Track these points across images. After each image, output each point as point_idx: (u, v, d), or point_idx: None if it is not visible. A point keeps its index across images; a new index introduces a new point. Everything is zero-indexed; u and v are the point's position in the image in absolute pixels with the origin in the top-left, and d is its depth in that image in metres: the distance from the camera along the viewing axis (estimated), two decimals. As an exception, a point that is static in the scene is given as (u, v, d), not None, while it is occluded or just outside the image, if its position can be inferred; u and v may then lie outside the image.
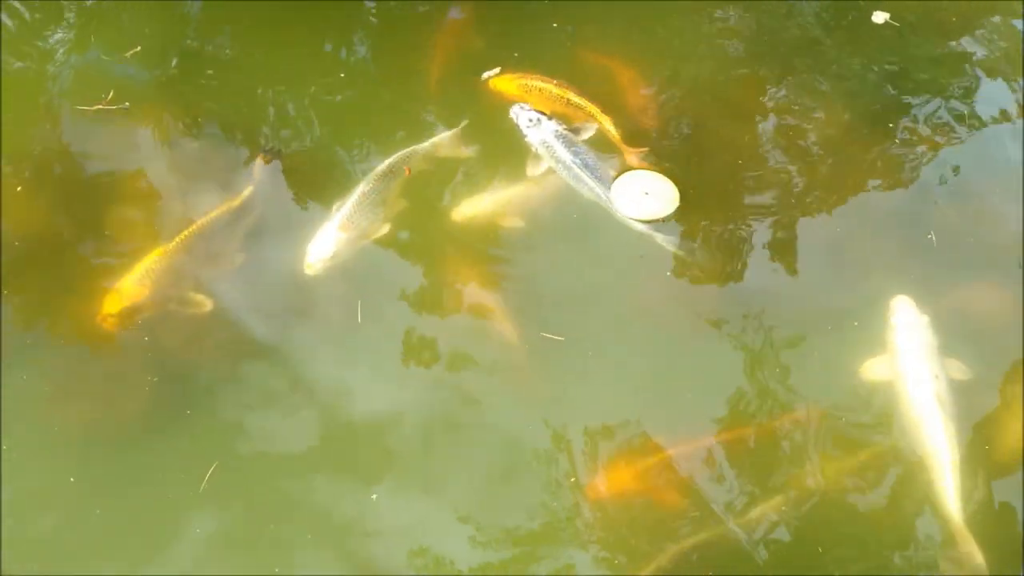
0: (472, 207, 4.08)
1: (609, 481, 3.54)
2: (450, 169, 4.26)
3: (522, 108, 4.28)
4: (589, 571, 3.36)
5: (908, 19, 4.71)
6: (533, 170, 4.18)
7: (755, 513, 3.42)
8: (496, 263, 4.05)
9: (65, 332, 3.79)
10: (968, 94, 4.53)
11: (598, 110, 4.28)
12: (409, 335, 3.83)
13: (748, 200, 4.18)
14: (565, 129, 4.20)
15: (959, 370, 3.65)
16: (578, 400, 3.66)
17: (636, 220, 4.03)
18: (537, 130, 4.20)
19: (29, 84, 4.46)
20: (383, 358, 3.77)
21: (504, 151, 4.29)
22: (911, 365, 3.65)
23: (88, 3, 4.75)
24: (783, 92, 4.50)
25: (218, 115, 4.40)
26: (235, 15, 4.77)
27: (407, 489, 3.51)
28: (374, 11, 4.88)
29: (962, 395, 3.57)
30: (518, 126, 4.25)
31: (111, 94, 4.32)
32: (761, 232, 4.08)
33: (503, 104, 4.36)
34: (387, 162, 4.10)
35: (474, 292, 3.96)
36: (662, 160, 4.19)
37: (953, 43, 4.69)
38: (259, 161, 4.16)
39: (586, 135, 4.24)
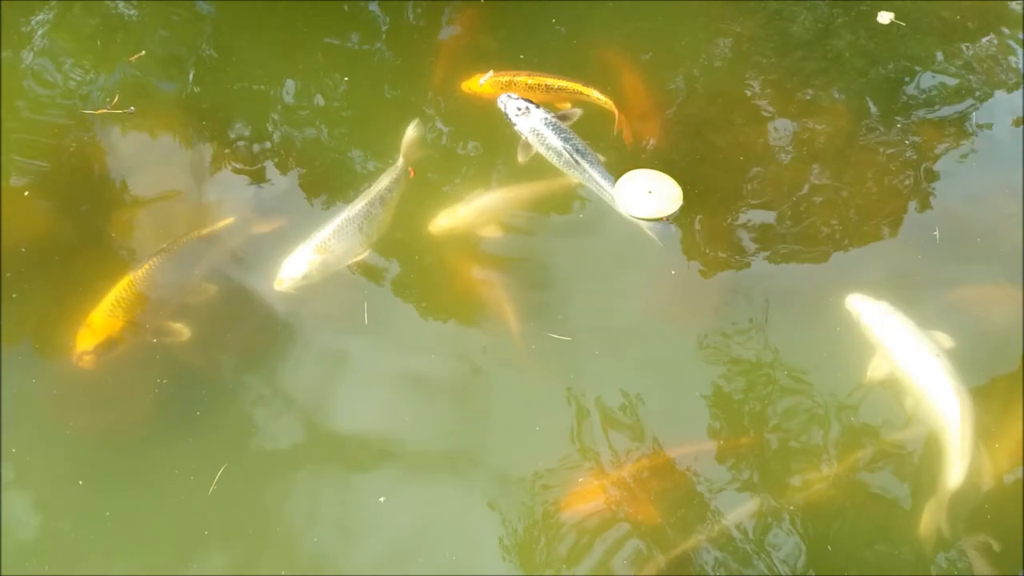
0: (449, 218, 4.05)
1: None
2: (454, 169, 4.28)
3: (510, 97, 4.27)
4: (593, 572, 3.37)
5: (912, 17, 4.71)
6: (523, 157, 4.19)
7: (768, 512, 3.44)
8: (501, 263, 4.07)
9: (73, 336, 3.74)
10: (973, 93, 4.52)
11: (580, 85, 4.31)
12: (415, 335, 3.84)
13: (752, 199, 4.18)
14: (554, 116, 4.20)
15: (945, 340, 3.68)
16: (584, 400, 3.66)
17: (618, 203, 4.04)
18: (526, 118, 4.20)
19: (33, 87, 4.46)
20: (389, 360, 3.78)
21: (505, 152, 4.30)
22: (906, 351, 3.66)
23: (92, 5, 4.76)
24: (787, 91, 4.50)
25: (222, 118, 4.40)
26: (239, 19, 4.78)
27: (415, 493, 3.51)
28: (377, 13, 4.88)
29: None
30: (506, 115, 4.25)
31: (116, 98, 4.34)
32: (765, 231, 4.08)
33: (485, 104, 4.37)
34: (373, 191, 4.05)
35: (481, 292, 3.98)
36: (665, 158, 4.19)
37: (957, 42, 4.69)
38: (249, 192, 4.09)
39: (573, 120, 4.25)
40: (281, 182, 4.25)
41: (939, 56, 4.64)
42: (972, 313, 3.83)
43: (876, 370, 3.69)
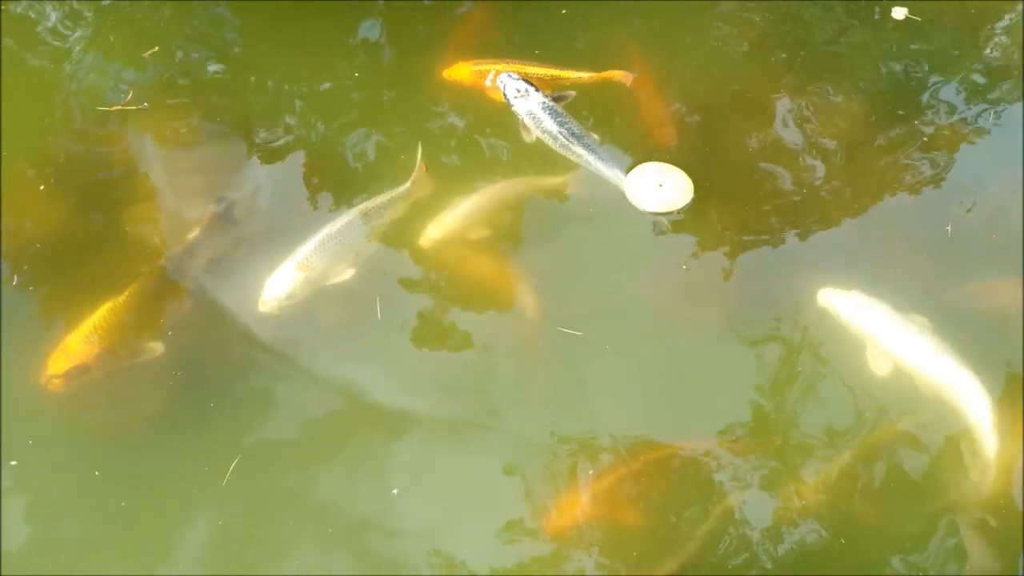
0: (438, 229, 4.00)
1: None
2: (472, 160, 4.30)
3: (509, 77, 4.26)
4: (602, 571, 3.38)
5: (927, 12, 4.66)
6: (527, 137, 4.20)
7: (788, 505, 3.46)
8: (511, 258, 4.07)
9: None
10: (986, 89, 4.50)
11: (558, 69, 4.32)
12: (427, 331, 3.85)
13: (763, 193, 4.18)
14: (551, 100, 4.21)
15: (923, 323, 3.71)
16: (595, 397, 3.68)
17: (620, 181, 4.06)
18: (524, 101, 4.20)
19: (48, 84, 4.48)
20: (402, 354, 3.79)
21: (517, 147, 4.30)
22: (898, 338, 3.68)
23: (105, 3, 4.77)
24: (799, 86, 4.48)
25: (234, 114, 4.41)
26: (254, 15, 4.79)
27: (427, 485, 3.53)
28: (385, 9, 4.88)
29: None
30: (505, 96, 4.24)
31: (131, 94, 4.35)
32: (775, 225, 4.08)
33: (465, 93, 4.36)
34: (358, 208, 3.99)
35: (494, 286, 4.00)
36: (677, 152, 4.19)
37: (971, 37, 4.66)
38: (209, 212, 3.98)
39: (567, 100, 4.24)
40: (293, 178, 4.26)
41: (953, 52, 4.61)
42: (984, 308, 3.83)
43: (877, 365, 3.68)
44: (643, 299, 3.92)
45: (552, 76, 4.34)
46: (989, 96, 4.46)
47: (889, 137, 4.31)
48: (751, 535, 3.41)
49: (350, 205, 4.05)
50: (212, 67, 4.55)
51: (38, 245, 3.97)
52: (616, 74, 4.35)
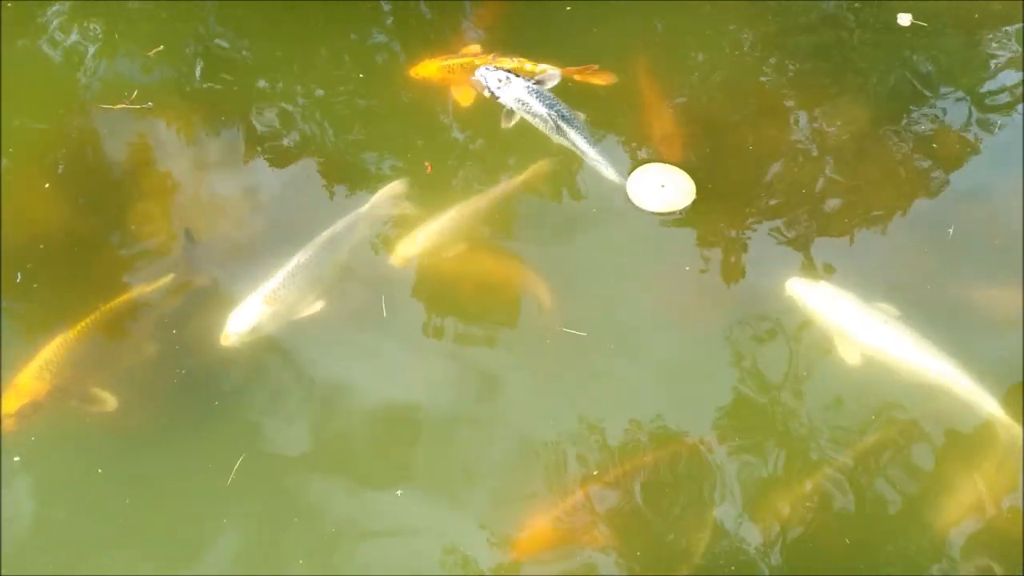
0: (409, 247, 3.94)
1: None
2: (467, 156, 4.31)
3: (488, 70, 4.26)
4: (611, 570, 3.37)
5: (932, 17, 4.69)
6: (506, 123, 4.20)
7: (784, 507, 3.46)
8: (516, 258, 4.08)
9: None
10: (987, 92, 4.53)
11: (525, 60, 4.33)
12: (433, 330, 3.85)
13: (766, 195, 4.20)
14: (533, 83, 4.22)
15: (889, 311, 3.74)
16: (600, 396, 3.69)
17: (604, 164, 4.08)
18: (509, 88, 4.20)
19: (52, 82, 4.49)
20: (407, 354, 3.79)
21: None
22: (859, 326, 3.71)
23: (110, 1, 4.77)
24: (803, 90, 4.51)
25: (241, 114, 4.41)
26: (257, 14, 4.79)
27: (431, 486, 3.53)
28: (391, 12, 4.89)
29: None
30: (487, 88, 4.23)
31: (135, 93, 4.35)
32: (778, 227, 4.10)
33: (433, 88, 4.37)
34: (326, 233, 3.89)
35: (500, 282, 4.01)
36: (679, 153, 4.21)
37: (976, 42, 4.68)
38: (184, 244, 3.92)
39: (551, 84, 4.25)
40: (297, 177, 4.27)
41: (956, 56, 4.64)
42: (984, 311, 3.84)
43: (847, 355, 3.70)
44: (646, 300, 3.93)
45: (527, 71, 4.34)
46: (990, 98, 4.50)
47: (892, 140, 4.33)
48: (754, 532, 3.42)
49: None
50: (216, 67, 4.56)
51: (41, 246, 3.96)
52: (591, 74, 4.35)
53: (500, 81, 4.21)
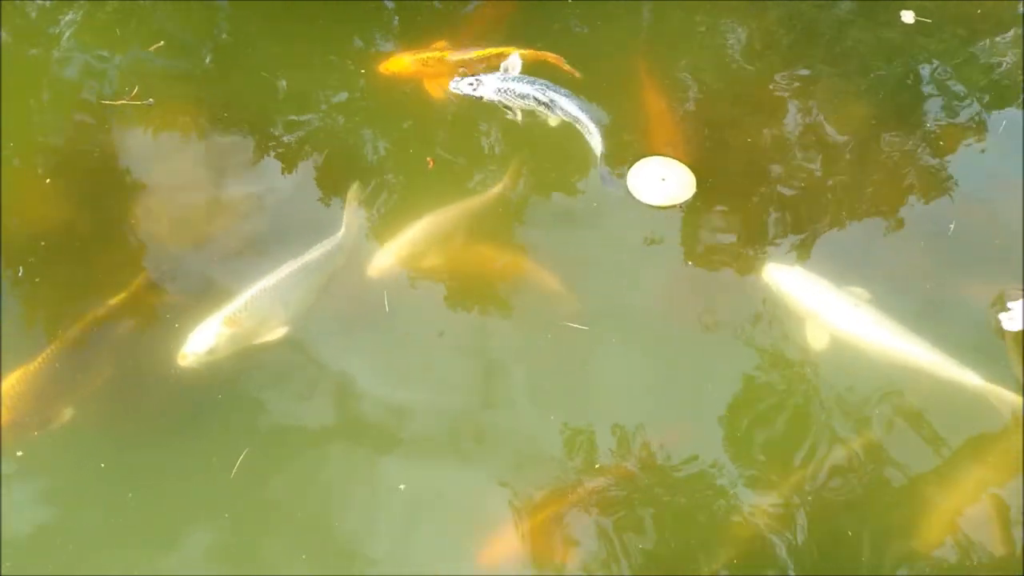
0: (385, 259, 3.92)
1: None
2: (472, 158, 4.31)
3: (458, 80, 4.28)
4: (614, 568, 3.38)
5: (935, 15, 4.71)
6: (512, 116, 4.25)
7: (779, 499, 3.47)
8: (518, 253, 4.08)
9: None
10: (989, 91, 4.54)
11: (496, 49, 4.37)
12: (434, 324, 3.85)
13: (766, 189, 4.21)
14: (502, 73, 4.26)
15: (861, 295, 3.79)
16: (601, 389, 3.70)
17: (593, 133, 4.11)
18: (484, 87, 4.23)
19: (53, 79, 4.47)
20: (409, 348, 3.79)
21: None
22: (832, 309, 3.75)
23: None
24: (805, 85, 4.52)
25: (241, 110, 4.40)
26: (259, 11, 4.79)
27: (434, 480, 3.53)
28: (396, 8, 4.89)
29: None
30: (465, 94, 4.25)
31: (136, 89, 4.34)
32: (778, 222, 4.11)
33: (402, 83, 4.38)
34: (293, 263, 3.81)
35: (505, 275, 4.01)
36: (680, 147, 4.22)
37: (979, 41, 4.69)
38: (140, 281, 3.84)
39: (517, 69, 4.28)
40: (297, 177, 4.26)
41: (960, 55, 4.64)
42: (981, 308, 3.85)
43: (816, 339, 3.73)
44: (647, 293, 3.93)
45: (494, 54, 4.38)
46: (991, 97, 4.51)
47: (893, 136, 4.35)
48: (758, 529, 3.42)
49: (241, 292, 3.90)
50: (218, 63, 4.55)
51: (42, 243, 3.94)
52: (550, 56, 4.41)
53: (472, 84, 4.24)
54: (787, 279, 3.84)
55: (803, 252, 4.01)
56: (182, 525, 3.42)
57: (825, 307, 3.75)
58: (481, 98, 4.24)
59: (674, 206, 4.07)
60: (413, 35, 4.64)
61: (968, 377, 3.56)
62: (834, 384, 3.67)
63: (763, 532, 3.39)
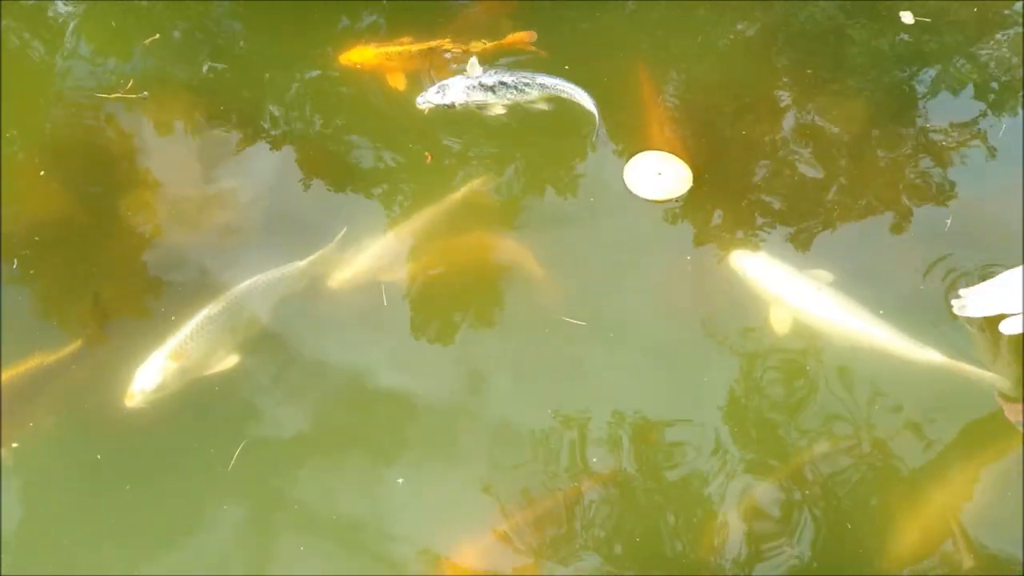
0: (346, 271, 3.87)
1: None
2: (469, 156, 4.31)
3: (424, 94, 4.22)
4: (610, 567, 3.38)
5: (934, 14, 4.73)
6: (500, 112, 4.23)
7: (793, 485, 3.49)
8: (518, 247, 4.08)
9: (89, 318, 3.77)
10: (988, 90, 4.56)
11: (448, 41, 4.39)
12: (434, 318, 3.86)
13: (762, 184, 4.22)
14: (468, 70, 4.25)
15: (825, 277, 3.84)
16: (597, 384, 3.70)
17: (585, 99, 4.16)
18: (451, 90, 4.20)
19: (48, 71, 4.47)
20: (407, 342, 3.79)
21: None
22: (798, 295, 3.78)
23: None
24: (803, 83, 4.52)
25: (236, 103, 4.40)
26: (254, 4, 4.79)
27: (434, 475, 3.52)
28: (388, 6, 4.88)
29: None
30: (442, 106, 4.20)
31: (131, 83, 4.33)
32: (775, 218, 4.11)
33: (366, 74, 4.39)
34: (244, 284, 3.73)
35: (501, 268, 4.01)
36: (676, 141, 4.22)
37: (978, 40, 4.71)
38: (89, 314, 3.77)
39: (477, 70, 4.25)
40: (292, 171, 4.24)
41: (959, 54, 4.66)
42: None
43: (780, 323, 3.77)
44: (645, 288, 3.94)
45: (459, 48, 4.40)
46: (991, 97, 4.54)
47: (891, 135, 4.35)
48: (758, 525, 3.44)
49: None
50: (212, 57, 4.54)
51: (37, 238, 3.93)
52: (520, 36, 4.45)
53: (439, 91, 4.20)
54: (751, 265, 3.89)
55: (800, 245, 4.02)
56: (179, 517, 3.41)
57: (788, 290, 3.80)
58: (453, 104, 4.20)
59: (670, 200, 4.08)
60: (411, 32, 4.61)
61: (930, 355, 3.61)
62: (834, 383, 3.68)
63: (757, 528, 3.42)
